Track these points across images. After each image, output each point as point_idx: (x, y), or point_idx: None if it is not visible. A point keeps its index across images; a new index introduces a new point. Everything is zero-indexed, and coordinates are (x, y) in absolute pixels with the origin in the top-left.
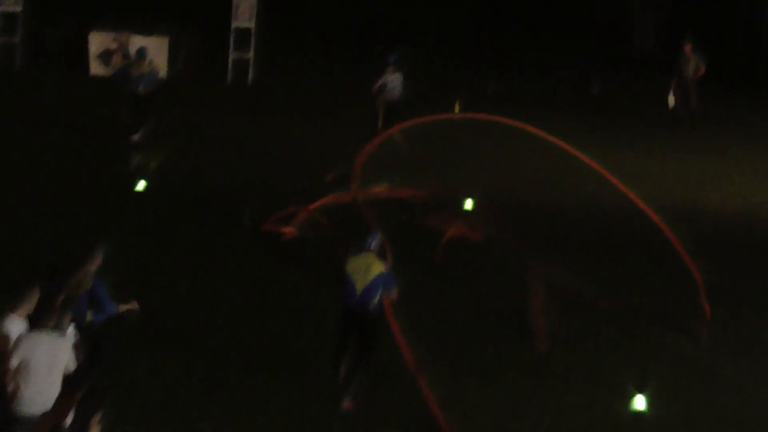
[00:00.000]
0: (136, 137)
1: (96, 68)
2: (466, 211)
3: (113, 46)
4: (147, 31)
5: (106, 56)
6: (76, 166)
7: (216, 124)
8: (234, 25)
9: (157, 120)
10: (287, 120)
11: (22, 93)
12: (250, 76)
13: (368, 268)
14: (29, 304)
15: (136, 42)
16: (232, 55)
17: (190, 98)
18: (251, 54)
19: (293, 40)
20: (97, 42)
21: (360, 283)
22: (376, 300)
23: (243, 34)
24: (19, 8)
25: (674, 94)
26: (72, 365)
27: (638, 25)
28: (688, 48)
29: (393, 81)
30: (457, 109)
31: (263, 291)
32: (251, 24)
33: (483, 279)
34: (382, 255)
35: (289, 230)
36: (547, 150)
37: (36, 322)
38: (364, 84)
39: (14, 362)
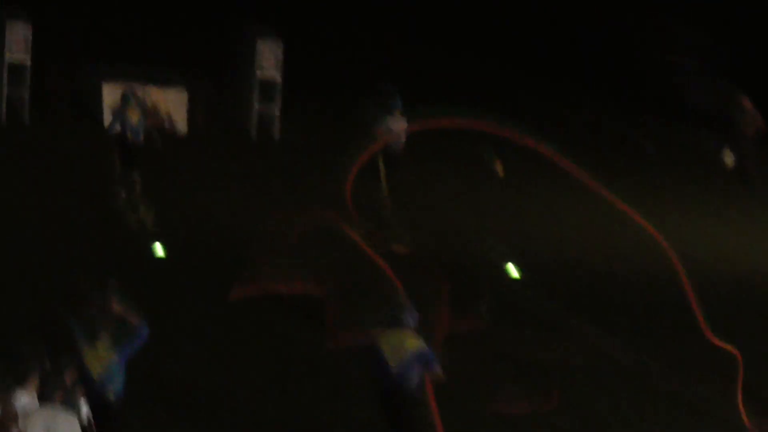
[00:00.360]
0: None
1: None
2: (513, 279)
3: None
4: (163, 81)
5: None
6: (88, 228)
7: (238, 184)
8: (258, 75)
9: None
10: (317, 179)
11: (31, 150)
12: (276, 131)
13: (403, 344)
14: (37, 379)
15: (153, 94)
16: (256, 109)
17: (210, 156)
18: (276, 108)
19: (321, 91)
20: (111, 94)
21: (394, 361)
22: (414, 380)
23: (268, 85)
24: (27, 59)
25: (731, 152)
26: None
27: (689, 76)
28: (745, 102)
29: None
30: (500, 169)
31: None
32: (277, 75)
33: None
34: (419, 331)
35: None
36: (595, 205)
37: (45, 397)
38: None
39: None
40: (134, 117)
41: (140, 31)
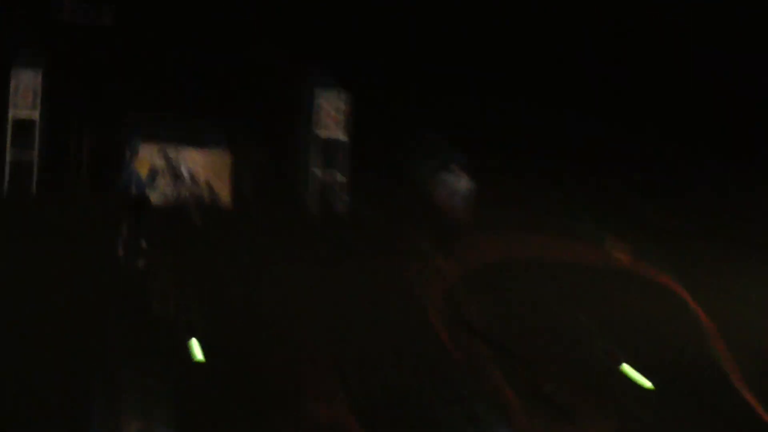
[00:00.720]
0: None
1: None
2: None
3: (159, 162)
4: (200, 141)
5: (150, 176)
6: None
7: (294, 267)
8: (318, 133)
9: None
10: (391, 259)
11: (40, 224)
12: (340, 201)
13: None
14: None
15: (190, 157)
16: (315, 175)
17: (259, 232)
18: (338, 172)
19: (382, 151)
20: (144, 157)
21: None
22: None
23: (328, 145)
24: (35, 114)
25: None
26: None
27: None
28: None
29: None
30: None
31: None
32: (338, 134)
33: None
34: None
35: None
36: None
37: None
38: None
39: None
40: (143, 169)
41: (176, 84)
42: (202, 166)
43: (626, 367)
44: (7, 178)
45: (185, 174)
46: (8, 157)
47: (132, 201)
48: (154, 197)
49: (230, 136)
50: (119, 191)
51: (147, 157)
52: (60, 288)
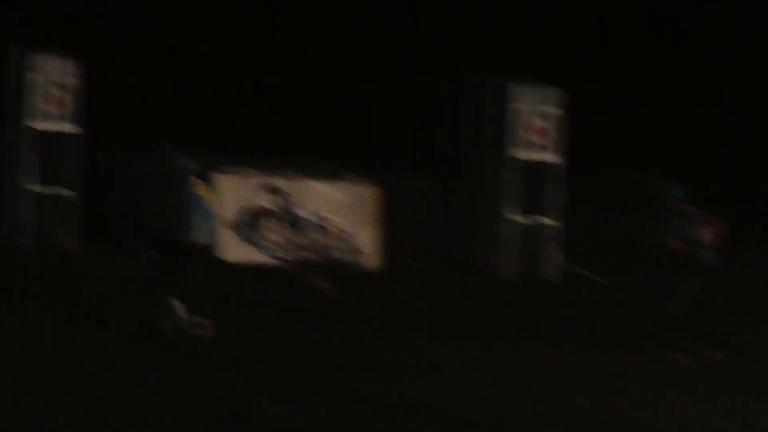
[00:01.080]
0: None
1: (229, 250)
2: None
3: (267, 200)
4: (327, 171)
5: (251, 221)
6: None
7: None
8: (516, 155)
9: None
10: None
11: (86, 281)
12: (549, 257)
13: None
14: None
15: (315, 191)
16: (509, 215)
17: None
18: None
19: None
20: (233, 190)
21: None
22: None
23: (530, 173)
24: (72, 127)
25: None
26: None
27: None
28: None
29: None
30: None
31: None
32: (554, 158)
33: None
34: None
35: None
36: None
37: None
38: None
39: None
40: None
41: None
42: (330, 204)
43: None
44: None
45: (305, 216)
46: None
47: (182, 246)
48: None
49: (373, 160)
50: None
51: (235, 189)
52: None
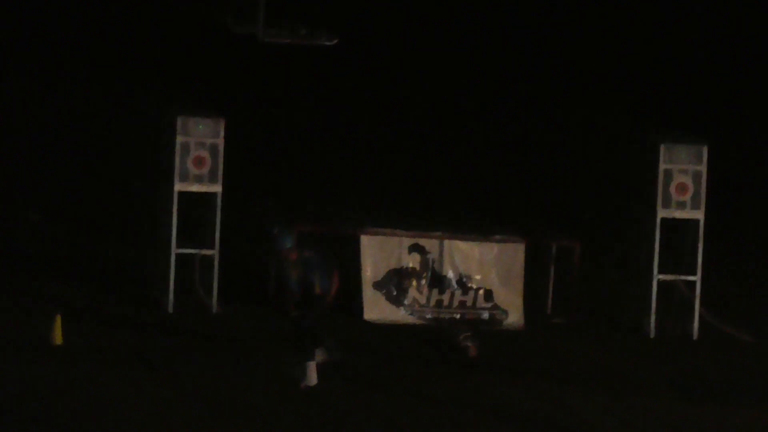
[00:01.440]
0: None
1: (372, 309)
2: None
3: (412, 260)
4: (472, 229)
5: (396, 281)
6: None
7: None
8: (665, 215)
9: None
10: None
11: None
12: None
13: None
14: None
15: (460, 250)
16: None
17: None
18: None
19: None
20: (378, 250)
21: None
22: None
23: (685, 227)
24: (216, 187)
25: None
26: None
27: None
28: None
29: None
30: None
31: None
32: (698, 215)
33: None
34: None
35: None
36: None
37: None
38: None
39: None
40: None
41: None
42: (475, 262)
43: None
44: None
45: (449, 275)
46: None
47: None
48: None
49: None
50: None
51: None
52: None
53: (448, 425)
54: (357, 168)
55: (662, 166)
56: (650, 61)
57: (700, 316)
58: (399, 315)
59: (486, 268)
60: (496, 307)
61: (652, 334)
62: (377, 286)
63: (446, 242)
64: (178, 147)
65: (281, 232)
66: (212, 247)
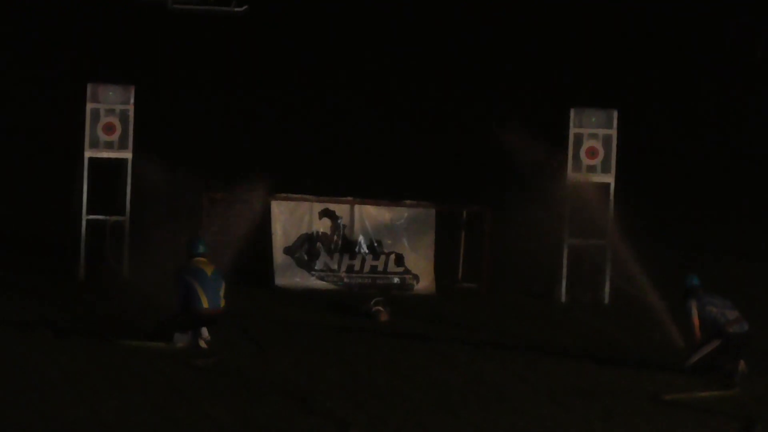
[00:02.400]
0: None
1: (283, 275)
2: None
3: (323, 225)
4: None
5: (306, 246)
6: None
7: None
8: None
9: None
10: None
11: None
12: None
13: None
14: None
15: (370, 216)
16: None
17: None
18: None
19: None
20: (285, 218)
21: None
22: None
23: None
24: (127, 153)
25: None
26: None
27: None
28: None
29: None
30: None
31: None
32: (608, 179)
33: None
34: None
35: None
36: None
37: None
38: None
39: None
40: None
41: None
42: (391, 230)
43: None
44: None
45: (366, 242)
46: None
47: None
48: None
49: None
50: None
51: None
52: None
53: (360, 392)
54: (267, 134)
55: (572, 130)
56: (560, 26)
57: (611, 281)
58: (310, 280)
59: (397, 234)
60: (407, 272)
61: (563, 300)
62: (288, 251)
63: (357, 207)
64: (88, 114)
65: (194, 239)
66: (123, 214)
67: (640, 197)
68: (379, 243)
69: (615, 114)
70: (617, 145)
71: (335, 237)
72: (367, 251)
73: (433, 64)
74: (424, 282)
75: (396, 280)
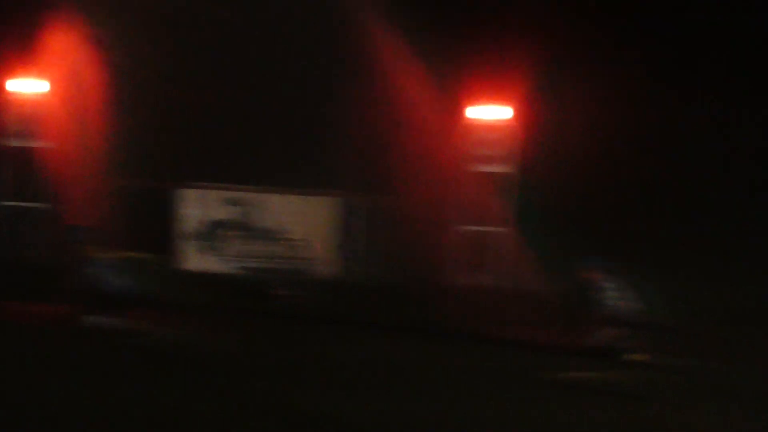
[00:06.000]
0: None
1: (189, 260)
2: None
3: (227, 212)
4: (286, 183)
5: (212, 232)
6: None
7: None
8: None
9: None
10: None
11: None
12: None
13: None
14: None
15: (274, 203)
16: None
17: None
18: None
19: None
20: (191, 205)
21: None
22: None
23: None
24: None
25: None
26: None
27: None
28: None
29: None
30: None
31: None
32: (508, 168)
33: None
34: None
35: None
36: None
37: None
38: None
39: None
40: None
41: None
42: (295, 217)
43: None
44: None
45: (264, 226)
46: None
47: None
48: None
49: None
50: None
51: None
52: None
53: (264, 377)
54: (174, 121)
55: (471, 122)
56: (457, 19)
57: (510, 268)
58: (215, 266)
59: (301, 221)
60: (310, 258)
61: (461, 285)
62: (194, 238)
63: (262, 195)
64: (4, 105)
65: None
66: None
67: (540, 186)
68: (283, 230)
69: (512, 107)
70: (515, 138)
71: (240, 224)
72: (271, 238)
73: (337, 48)
74: (327, 269)
75: (299, 266)
